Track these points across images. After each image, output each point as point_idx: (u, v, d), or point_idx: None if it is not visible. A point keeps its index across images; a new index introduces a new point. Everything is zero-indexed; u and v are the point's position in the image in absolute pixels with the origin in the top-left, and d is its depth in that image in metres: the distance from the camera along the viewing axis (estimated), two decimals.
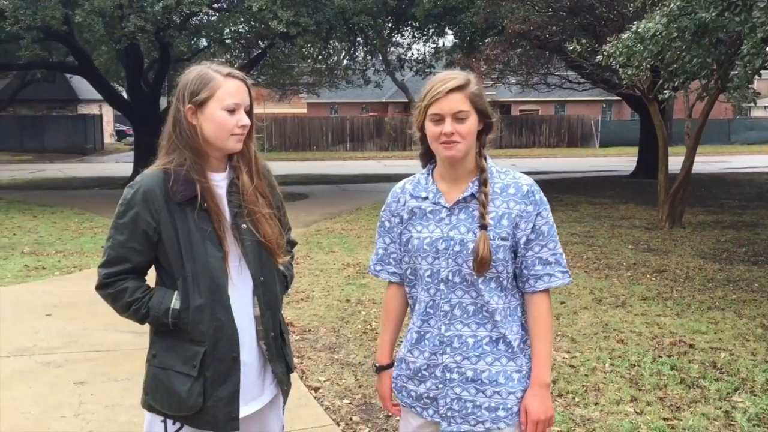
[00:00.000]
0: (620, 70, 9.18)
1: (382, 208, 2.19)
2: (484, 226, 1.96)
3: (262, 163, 2.21)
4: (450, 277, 2.00)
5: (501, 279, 2.01)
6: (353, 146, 37.15)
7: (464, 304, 2.01)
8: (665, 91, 8.92)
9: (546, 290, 2.04)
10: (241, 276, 2.10)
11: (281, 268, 2.21)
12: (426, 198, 2.07)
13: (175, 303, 2.01)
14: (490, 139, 2.06)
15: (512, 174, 2.06)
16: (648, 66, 8.70)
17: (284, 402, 2.27)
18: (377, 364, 2.25)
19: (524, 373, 2.03)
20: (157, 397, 2.08)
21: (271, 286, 2.15)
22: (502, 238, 1.97)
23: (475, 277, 1.98)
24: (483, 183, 2.00)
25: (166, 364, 2.06)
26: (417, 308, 2.10)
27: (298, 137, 36.81)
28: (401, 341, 2.19)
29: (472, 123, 1.96)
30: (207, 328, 2.01)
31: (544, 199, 2.04)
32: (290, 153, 33.78)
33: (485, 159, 2.04)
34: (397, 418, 3.87)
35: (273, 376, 2.18)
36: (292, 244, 2.37)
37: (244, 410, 2.10)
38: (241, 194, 2.10)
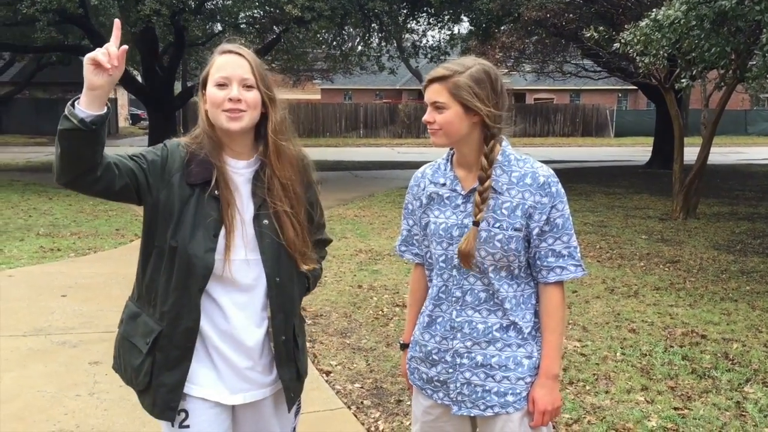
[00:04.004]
0: (637, 58, 9.11)
1: (407, 191, 2.21)
2: (476, 223, 1.96)
3: (298, 154, 2.10)
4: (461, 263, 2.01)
5: (512, 268, 2.01)
6: (367, 133, 37.11)
7: (476, 291, 2.02)
8: (682, 81, 8.83)
9: (558, 282, 2.03)
10: (250, 273, 2.00)
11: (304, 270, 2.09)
12: (444, 184, 2.07)
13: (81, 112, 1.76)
14: (493, 132, 1.98)
15: (530, 163, 2.02)
16: (665, 54, 8.63)
17: (290, 408, 2.14)
18: (402, 341, 2.32)
19: (534, 359, 2.03)
20: (119, 363, 2.08)
21: (287, 289, 2.05)
22: (516, 229, 1.97)
23: (486, 265, 1.98)
24: (481, 180, 1.97)
25: (128, 333, 2.04)
26: (430, 292, 2.12)
27: (312, 123, 36.80)
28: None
29: (450, 114, 1.95)
30: (169, 310, 1.94)
31: (561, 191, 2.01)
32: (304, 139, 33.69)
33: (490, 151, 1.98)
34: (408, 402, 3.90)
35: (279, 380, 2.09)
36: (326, 242, 2.28)
37: (231, 399, 2.03)
38: (266, 187, 2.00)
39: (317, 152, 24.90)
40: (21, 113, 35.02)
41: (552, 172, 2.02)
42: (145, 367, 1.96)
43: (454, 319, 2.04)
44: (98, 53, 1.71)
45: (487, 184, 1.96)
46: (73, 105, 1.77)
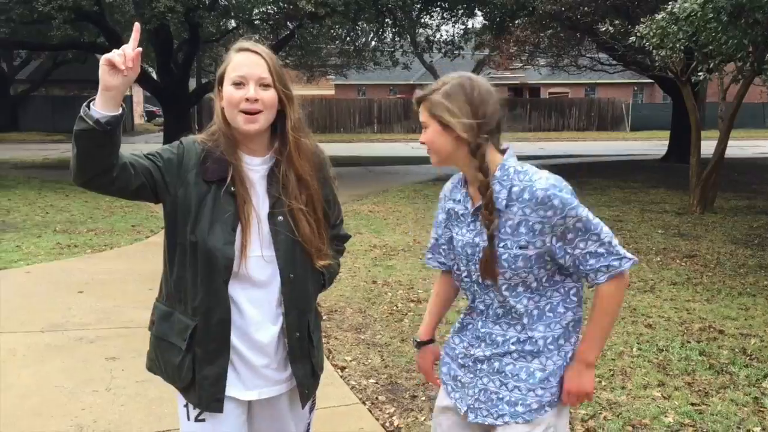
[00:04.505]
0: (653, 51, 9.03)
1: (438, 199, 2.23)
2: (490, 237, 1.94)
3: (315, 150, 2.10)
4: (480, 281, 2.02)
5: (528, 283, 1.98)
6: (381, 128, 37.11)
7: (494, 306, 2.03)
8: (699, 74, 8.75)
9: (610, 279, 1.96)
10: (265, 270, 2.01)
11: (320, 267, 2.09)
12: (459, 200, 2.07)
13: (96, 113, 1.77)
14: (478, 143, 1.91)
15: (529, 175, 1.92)
16: (682, 47, 8.55)
17: (304, 405, 2.14)
18: (417, 339, 2.32)
19: (549, 371, 2.00)
20: (159, 364, 2.08)
21: (302, 285, 2.05)
22: (521, 247, 1.92)
23: (500, 282, 1.98)
24: (481, 196, 1.94)
25: (162, 334, 2.05)
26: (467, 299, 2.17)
27: (326, 119, 36.83)
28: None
29: (430, 132, 1.96)
30: (200, 304, 1.96)
31: (567, 199, 1.88)
32: (317, 135, 33.80)
33: (481, 163, 1.92)
34: (423, 398, 3.90)
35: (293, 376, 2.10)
36: (344, 238, 2.29)
37: (247, 395, 2.04)
38: (281, 184, 2.01)
39: (331, 148, 24.92)
40: (38, 111, 35.30)
41: (553, 181, 1.90)
42: (187, 363, 1.99)
43: (479, 329, 2.08)
44: (114, 54, 1.73)
45: (485, 200, 1.92)
46: (88, 106, 1.78)
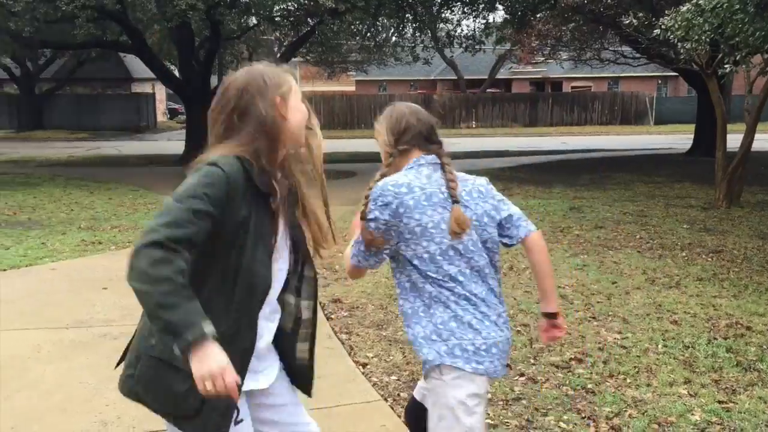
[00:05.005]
0: (678, 44, 8.89)
1: None
2: None
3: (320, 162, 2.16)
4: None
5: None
6: None
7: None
8: (725, 66, 8.61)
9: None
10: (278, 279, 2.09)
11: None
12: None
13: (207, 327, 1.69)
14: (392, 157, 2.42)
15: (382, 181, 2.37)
16: (708, 39, 8.41)
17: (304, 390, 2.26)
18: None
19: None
20: (149, 389, 1.93)
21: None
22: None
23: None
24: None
25: (168, 357, 1.83)
26: None
27: (347, 115, 36.84)
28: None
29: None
30: (226, 330, 1.86)
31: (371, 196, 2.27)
32: (338, 131, 33.87)
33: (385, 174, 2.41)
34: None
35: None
36: None
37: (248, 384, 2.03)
38: (300, 200, 2.09)
39: (352, 144, 24.92)
40: (62, 109, 35.73)
41: (383, 185, 2.28)
42: (195, 391, 1.74)
43: None
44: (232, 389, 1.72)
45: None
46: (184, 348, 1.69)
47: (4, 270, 6.83)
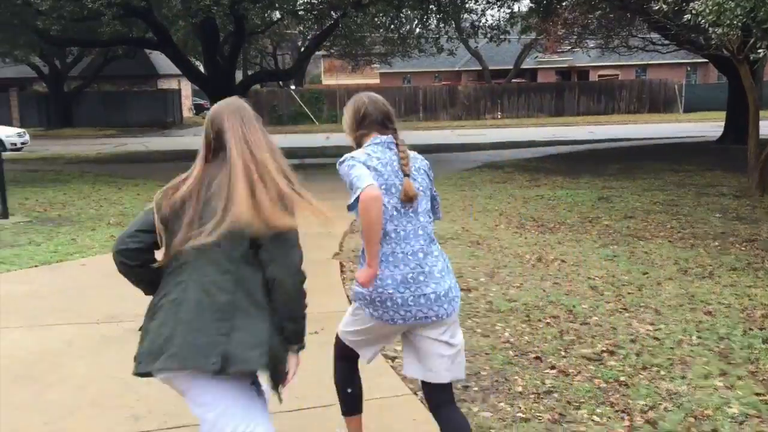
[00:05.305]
0: (709, 29, 8.71)
1: None
2: None
3: None
4: None
5: None
6: (426, 116, 36.89)
7: None
8: (758, 51, 8.41)
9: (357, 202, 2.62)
10: None
11: None
12: None
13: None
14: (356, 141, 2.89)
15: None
16: (739, 24, 8.22)
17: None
18: None
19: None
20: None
21: None
22: None
23: None
24: None
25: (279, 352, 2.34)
26: None
27: None
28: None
29: None
30: None
31: (342, 169, 2.68)
32: None
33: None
34: (475, 388, 3.84)
35: None
36: None
37: None
38: None
39: None
40: (90, 106, 36.14)
41: (346, 156, 2.71)
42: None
43: None
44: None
45: None
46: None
47: (36, 266, 6.92)
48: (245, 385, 2.26)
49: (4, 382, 4.08)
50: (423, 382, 2.81)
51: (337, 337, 3.00)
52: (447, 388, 2.77)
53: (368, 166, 2.63)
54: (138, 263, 2.39)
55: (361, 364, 2.96)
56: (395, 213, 2.66)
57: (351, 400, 3.01)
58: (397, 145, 2.76)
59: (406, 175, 2.68)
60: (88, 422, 3.56)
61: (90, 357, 4.46)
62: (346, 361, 2.98)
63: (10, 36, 20.97)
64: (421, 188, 2.72)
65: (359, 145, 2.82)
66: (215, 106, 2.36)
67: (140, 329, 2.36)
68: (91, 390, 3.94)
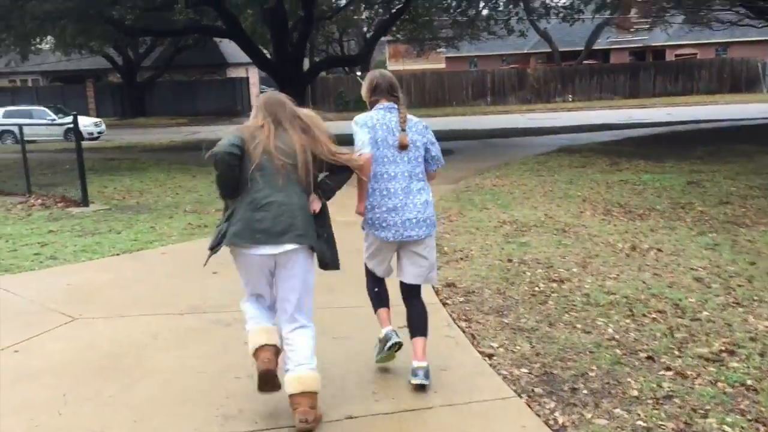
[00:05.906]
0: None
1: None
2: None
3: None
4: None
5: None
6: (494, 100, 36.18)
7: None
8: None
9: None
10: None
11: None
12: None
13: None
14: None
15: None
16: None
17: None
18: None
19: None
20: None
21: None
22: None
23: None
24: None
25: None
26: None
27: (438, 92, 36.28)
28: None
29: None
30: None
31: (353, 127, 3.73)
32: (430, 109, 33.34)
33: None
34: (585, 390, 3.51)
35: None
36: None
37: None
38: None
39: (444, 122, 24.47)
40: (162, 96, 36.85)
41: (359, 116, 3.71)
42: None
43: None
44: None
45: None
46: None
47: (117, 254, 6.90)
48: None
49: (90, 374, 3.98)
50: (401, 282, 3.79)
51: (365, 264, 3.92)
52: (417, 287, 3.78)
53: (367, 126, 3.61)
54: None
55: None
56: (386, 160, 3.61)
57: (377, 298, 3.89)
58: (398, 109, 3.69)
59: (402, 130, 3.63)
60: (176, 420, 3.40)
61: (175, 350, 4.32)
62: (371, 276, 3.90)
63: (87, 27, 21.42)
64: (412, 141, 3.65)
65: (372, 107, 3.76)
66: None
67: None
68: (178, 385, 3.80)
